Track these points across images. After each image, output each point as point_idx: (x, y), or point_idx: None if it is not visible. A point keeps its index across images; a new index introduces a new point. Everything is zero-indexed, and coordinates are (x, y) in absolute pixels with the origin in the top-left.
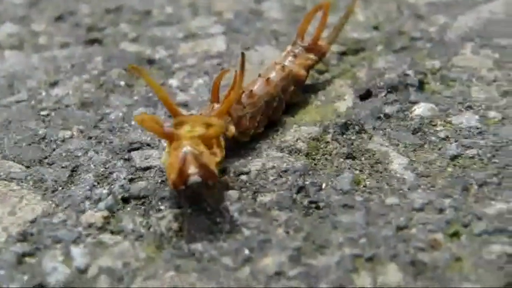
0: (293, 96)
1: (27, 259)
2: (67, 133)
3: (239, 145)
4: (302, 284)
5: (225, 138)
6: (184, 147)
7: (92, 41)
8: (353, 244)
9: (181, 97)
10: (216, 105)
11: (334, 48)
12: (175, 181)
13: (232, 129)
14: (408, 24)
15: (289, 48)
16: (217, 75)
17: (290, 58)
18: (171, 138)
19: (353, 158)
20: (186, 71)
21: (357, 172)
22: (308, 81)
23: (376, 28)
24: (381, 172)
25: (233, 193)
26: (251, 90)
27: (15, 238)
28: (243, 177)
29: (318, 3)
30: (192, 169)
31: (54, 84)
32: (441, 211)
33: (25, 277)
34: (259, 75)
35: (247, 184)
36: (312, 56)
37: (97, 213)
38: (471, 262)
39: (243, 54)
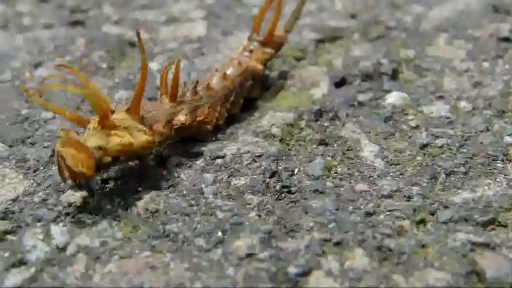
0: (251, 91)
1: (8, 236)
2: (50, 114)
3: (215, 130)
4: (272, 266)
5: (181, 126)
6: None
7: (75, 23)
8: (322, 229)
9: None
10: (165, 96)
11: (312, 35)
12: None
13: (180, 118)
14: (385, 13)
15: (245, 43)
16: (166, 65)
17: (246, 53)
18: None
19: (326, 144)
20: (166, 55)
21: (329, 158)
22: (285, 68)
23: (353, 16)
24: (352, 159)
25: (208, 176)
26: (208, 84)
27: None
28: (219, 160)
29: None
30: (66, 174)
31: (37, 65)
32: (409, 198)
33: (6, 254)
34: (216, 70)
35: (222, 167)
36: (268, 50)
37: (77, 193)
38: (436, 249)
39: (138, 33)
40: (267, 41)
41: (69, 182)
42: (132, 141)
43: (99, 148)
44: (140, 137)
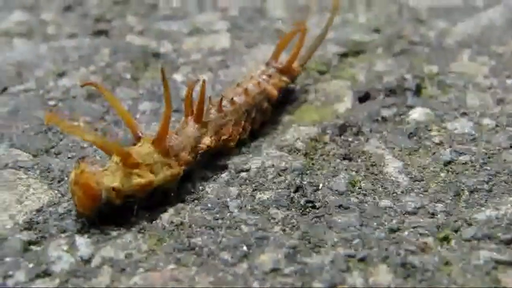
0: (266, 112)
1: (32, 247)
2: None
3: (239, 143)
4: (297, 282)
5: (207, 147)
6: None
7: (99, 33)
8: (347, 245)
9: (185, 92)
10: (190, 117)
11: (335, 49)
12: None
13: (206, 141)
14: (408, 28)
15: (263, 68)
16: (189, 85)
17: (264, 77)
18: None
19: (350, 159)
20: (190, 66)
21: (353, 173)
22: (309, 82)
23: (377, 30)
24: (376, 175)
25: (233, 190)
26: (232, 98)
27: (21, 226)
28: (243, 174)
29: (295, 26)
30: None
31: (61, 74)
32: (432, 215)
33: (30, 265)
34: (237, 85)
35: (247, 181)
36: (285, 78)
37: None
38: (459, 266)
39: (163, 71)
40: (285, 70)
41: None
42: (153, 179)
43: (113, 189)
44: (164, 173)
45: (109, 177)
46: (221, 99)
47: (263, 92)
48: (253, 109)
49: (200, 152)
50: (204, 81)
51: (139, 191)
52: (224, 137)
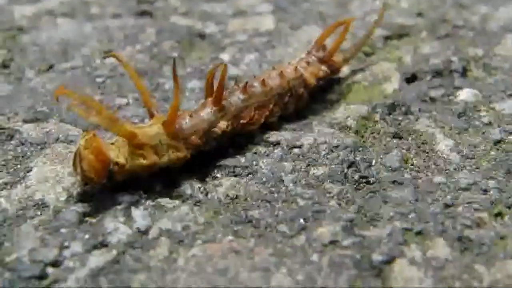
0: (301, 98)
1: (88, 219)
2: (123, 101)
3: (289, 120)
4: (356, 253)
5: (222, 132)
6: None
7: (143, 13)
8: (403, 218)
9: (233, 71)
10: (209, 100)
11: (379, 31)
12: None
13: (222, 125)
14: (451, 12)
15: (303, 55)
16: (211, 68)
17: (303, 64)
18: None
19: (400, 137)
20: (237, 46)
21: (405, 151)
22: (355, 62)
23: (420, 14)
24: (427, 152)
25: (287, 165)
26: (264, 80)
27: (75, 198)
28: (296, 150)
29: (343, 18)
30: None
31: (108, 52)
32: (485, 191)
33: (86, 236)
34: (273, 68)
35: (300, 157)
36: (324, 68)
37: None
38: None
39: (174, 61)
40: (325, 60)
41: (78, 178)
42: (155, 162)
43: (117, 163)
44: (170, 155)
45: (114, 152)
46: (247, 82)
47: (299, 78)
48: (286, 93)
49: (215, 136)
50: (225, 65)
51: (142, 171)
52: (243, 121)
